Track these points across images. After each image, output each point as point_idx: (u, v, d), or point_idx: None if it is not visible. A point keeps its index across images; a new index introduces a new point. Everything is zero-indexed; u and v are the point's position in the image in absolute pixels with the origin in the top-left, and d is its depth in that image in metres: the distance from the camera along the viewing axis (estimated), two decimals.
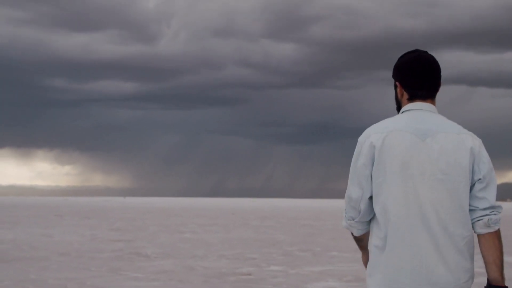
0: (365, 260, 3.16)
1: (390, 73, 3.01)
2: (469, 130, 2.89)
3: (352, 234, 3.05)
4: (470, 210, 2.80)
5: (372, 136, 2.83)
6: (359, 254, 3.50)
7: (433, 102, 2.92)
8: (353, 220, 2.92)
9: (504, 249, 2.80)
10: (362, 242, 3.08)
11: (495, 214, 2.78)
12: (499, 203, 2.83)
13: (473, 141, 2.82)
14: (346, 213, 2.97)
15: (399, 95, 2.97)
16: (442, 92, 2.97)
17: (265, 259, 14.40)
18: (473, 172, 2.79)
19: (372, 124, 2.92)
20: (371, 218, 2.92)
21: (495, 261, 2.78)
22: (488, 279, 2.81)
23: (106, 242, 18.63)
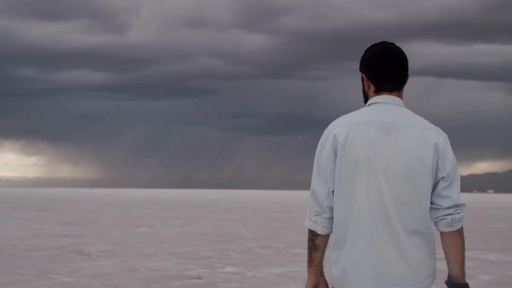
0: (311, 285, 2.85)
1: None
2: (436, 121, 2.82)
3: (309, 240, 2.88)
4: (434, 209, 2.76)
5: (336, 129, 2.77)
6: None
7: (399, 95, 2.85)
8: (319, 215, 2.82)
9: (466, 243, 2.68)
10: (318, 251, 2.87)
11: (458, 213, 2.75)
12: (462, 201, 2.78)
13: (438, 137, 2.74)
14: (311, 209, 2.85)
15: (366, 88, 2.89)
16: (410, 84, 2.90)
17: (221, 258, 12.90)
18: (437, 169, 2.73)
19: (341, 115, 2.85)
20: None
21: (457, 259, 2.77)
22: (449, 275, 2.82)
23: (50, 238, 16.97)
